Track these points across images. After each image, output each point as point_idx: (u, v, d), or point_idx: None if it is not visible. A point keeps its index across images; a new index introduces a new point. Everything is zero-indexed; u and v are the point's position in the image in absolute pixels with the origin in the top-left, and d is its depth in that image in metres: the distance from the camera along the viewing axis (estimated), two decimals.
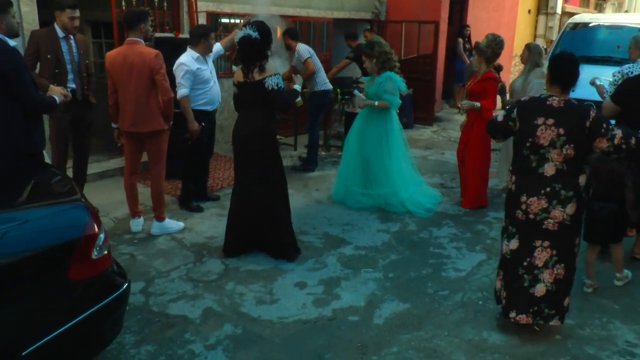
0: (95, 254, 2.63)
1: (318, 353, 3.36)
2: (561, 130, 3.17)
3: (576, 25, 9.39)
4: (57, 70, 4.82)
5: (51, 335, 2.45)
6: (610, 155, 3.27)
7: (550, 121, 3.20)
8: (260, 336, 3.50)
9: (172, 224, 5.06)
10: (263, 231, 4.54)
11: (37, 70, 4.82)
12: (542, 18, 17.52)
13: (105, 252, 2.72)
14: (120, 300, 2.80)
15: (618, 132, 3.18)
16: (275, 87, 4.23)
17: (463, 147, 5.94)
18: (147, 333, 3.48)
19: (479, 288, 4.18)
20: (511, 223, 3.47)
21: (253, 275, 4.29)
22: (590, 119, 3.16)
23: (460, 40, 11.52)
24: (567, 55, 3.41)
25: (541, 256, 3.36)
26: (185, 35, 7.09)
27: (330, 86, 7.16)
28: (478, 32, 12.01)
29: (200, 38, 5.29)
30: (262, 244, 4.61)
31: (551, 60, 3.42)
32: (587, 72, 4.43)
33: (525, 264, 3.40)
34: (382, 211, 5.69)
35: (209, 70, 5.35)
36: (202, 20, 7.53)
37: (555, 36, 17.70)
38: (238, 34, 4.25)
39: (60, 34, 4.85)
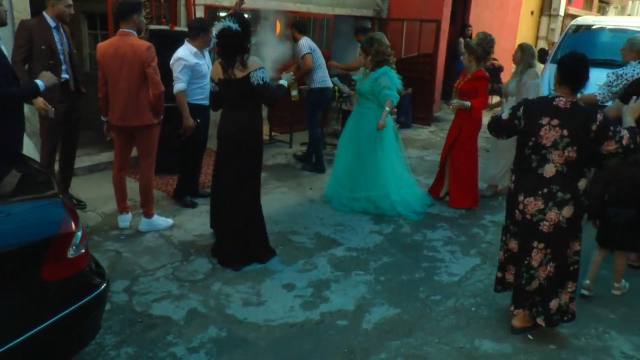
0: (71, 253, 2.51)
1: (304, 358, 3.26)
2: (565, 132, 3.14)
3: (579, 27, 9.30)
4: (51, 62, 4.70)
5: (23, 337, 2.34)
6: (618, 156, 3.25)
7: (555, 122, 3.18)
8: (245, 339, 3.40)
9: (161, 220, 4.95)
10: (242, 230, 4.34)
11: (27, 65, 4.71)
12: (544, 19, 17.40)
13: (83, 250, 2.61)
14: (98, 301, 2.69)
15: (625, 133, 3.16)
16: (261, 82, 4.03)
17: (450, 145, 5.86)
18: (129, 334, 3.37)
19: (473, 294, 4.08)
20: (511, 222, 3.49)
21: (240, 275, 4.19)
22: (598, 123, 3.13)
23: (462, 40, 11.36)
24: (579, 56, 3.34)
25: (537, 257, 3.36)
26: (182, 28, 6.98)
27: (329, 84, 6.94)
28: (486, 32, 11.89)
29: (200, 32, 5.17)
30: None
31: (561, 60, 3.36)
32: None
33: (525, 262, 3.41)
34: None
35: (206, 64, 5.25)
36: (199, 13, 7.41)
37: (557, 38, 17.58)
38: (217, 27, 4.04)
39: (52, 23, 4.74)
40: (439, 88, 10.57)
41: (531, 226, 3.32)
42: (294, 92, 6.45)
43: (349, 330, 3.56)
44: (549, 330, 3.59)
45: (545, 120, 3.21)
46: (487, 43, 5.61)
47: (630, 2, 30.47)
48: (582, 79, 3.30)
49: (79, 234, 2.57)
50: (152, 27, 6.35)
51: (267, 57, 6.52)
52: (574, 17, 18.19)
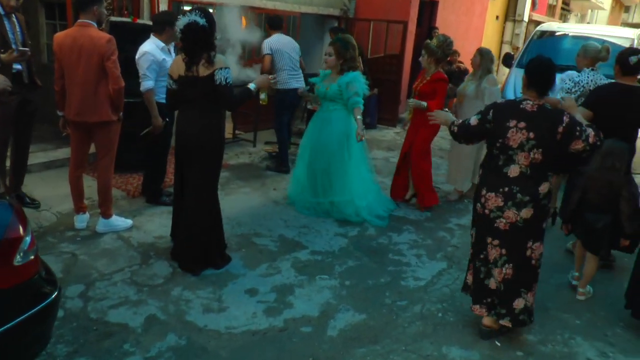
0: (18, 260, 2.35)
1: None
2: (531, 134, 3.19)
3: (543, 33, 9.43)
4: (2, 50, 4.46)
5: None
6: (585, 153, 3.29)
7: (522, 124, 3.22)
8: (205, 348, 3.26)
9: (119, 221, 4.76)
10: (203, 234, 4.15)
11: None
12: (509, 25, 17.67)
13: (32, 257, 2.44)
14: (49, 311, 2.52)
15: (590, 131, 3.24)
16: (224, 82, 3.84)
17: (408, 147, 5.84)
18: (82, 343, 3.20)
19: (439, 299, 4.03)
20: (474, 215, 3.57)
21: (202, 279, 4.05)
22: (564, 124, 3.20)
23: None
24: (545, 61, 3.37)
25: (492, 253, 3.41)
26: (144, 20, 6.76)
27: (294, 85, 6.68)
28: (446, 35, 11.95)
29: (165, 25, 4.97)
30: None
31: (529, 65, 3.39)
32: None
33: (482, 256, 3.48)
34: None
35: (172, 61, 5.05)
36: (163, 6, 7.19)
37: (521, 43, 17.89)
38: (182, 21, 3.80)
39: (1, 11, 4.49)
40: (405, 89, 10.56)
41: (488, 221, 3.38)
42: (262, 96, 6.25)
43: (314, 337, 3.46)
44: (515, 337, 3.58)
45: (512, 123, 3.24)
46: (447, 45, 5.60)
47: (589, 11, 31.37)
48: (548, 83, 3.33)
49: (28, 239, 2.40)
50: (113, 18, 6.13)
51: (230, 53, 6.40)
52: (538, 22, 18.53)
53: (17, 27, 4.63)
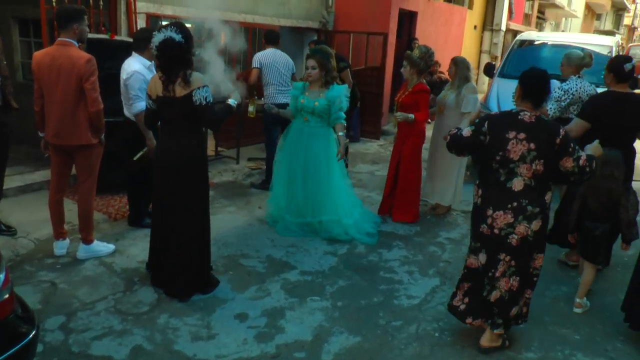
0: None
1: None
2: (532, 145, 3.15)
3: (523, 42, 9.47)
4: None
5: None
6: (573, 176, 3.25)
7: (522, 135, 3.18)
8: None
9: (101, 246, 4.58)
10: (191, 259, 3.99)
11: None
12: (487, 34, 17.82)
13: (7, 295, 2.28)
14: (26, 352, 2.35)
15: (583, 154, 3.23)
16: (204, 102, 3.66)
17: (397, 161, 5.75)
18: None
19: (435, 318, 3.93)
20: (475, 237, 3.46)
21: (189, 305, 3.89)
22: (561, 137, 3.18)
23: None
24: (540, 72, 3.36)
25: (502, 269, 3.35)
26: (122, 37, 6.62)
27: (281, 101, 6.44)
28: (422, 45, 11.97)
29: (148, 42, 4.80)
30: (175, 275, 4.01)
31: (523, 76, 3.36)
32: None
33: (490, 274, 3.40)
34: None
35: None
36: (141, 22, 7.06)
37: (499, 52, 18.06)
38: (157, 37, 3.65)
39: None
40: (387, 101, 10.54)
41: (499, 240, 3.29)
42: (250, 108, 6.11)
43: None
44: (515, 356, 3.49)
45: (512, 134, 3.19)
46: (428, 57, 5.56)
47: (563, 20, 31.92)
48: (543, 94, 3.33)
49: (1, 276, 2.24)
50: (90, 35, 5.95)
51: (211, 69, 6.27)
52: (515, 31, 18.73)
53: None
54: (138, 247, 4.74)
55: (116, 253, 4.61)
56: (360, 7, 10.58)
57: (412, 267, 4.74)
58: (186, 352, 3.35)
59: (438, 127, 5.98)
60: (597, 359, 3.55)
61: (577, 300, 4.12)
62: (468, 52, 16.06)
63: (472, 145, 3.39)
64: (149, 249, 4.20)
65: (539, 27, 25.06)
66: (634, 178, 4.65)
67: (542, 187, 3.25)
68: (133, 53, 4.87)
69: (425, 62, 5.54)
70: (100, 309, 3.76)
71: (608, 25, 43.21)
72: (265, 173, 6.79)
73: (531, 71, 3.38)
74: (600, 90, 4.96)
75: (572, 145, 3.20)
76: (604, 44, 8.95)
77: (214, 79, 6.33)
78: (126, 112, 4.92)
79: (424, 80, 5.68)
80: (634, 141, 4.61)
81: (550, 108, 5.24)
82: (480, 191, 3.40)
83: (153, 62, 5.01)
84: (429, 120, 6.03)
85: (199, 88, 3.65)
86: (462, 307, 3.57)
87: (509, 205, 3.23)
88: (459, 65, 5.83)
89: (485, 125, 3.31)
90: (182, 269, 3.94)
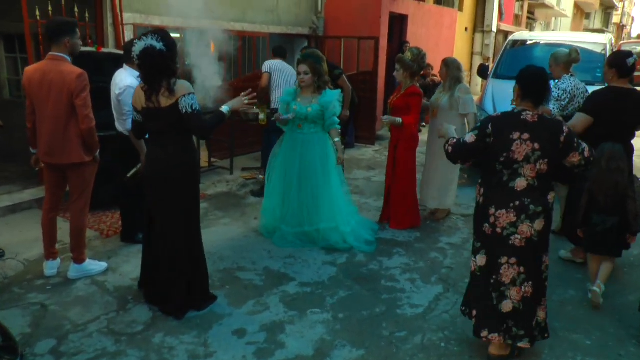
0: None
1: None
2: (536, 145, 3.11)
3: (515, 42, 9.41)
4: None
5: None
6: (580, 168, 3.28)
7: (526, 136, 3.12)
8: None
9: (93, 265, 4.43)
10: (185, 275, 3.84)
11: None
12: (478, 36, 17.79)
13: None
14: None
15: (585, 146, 3.24)
16: (190, 110, 3.51)
17: (392, 166, 5.66)
18: None
19: (440, 327, 3.80)
20: (477, 237, 3.38)
21: (185, 323, 3.75)
22: (564, 134, 3.16)
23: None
24: (538, 70, 3.29)
25: (508, 273, 3.24)
26: (110, 49, 6.50)
27: None
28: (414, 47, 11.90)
29: None
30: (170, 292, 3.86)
31: (522, 75, 3.29)
32: None
33: (492, 280, 3.30)
34: None
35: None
36: (129, 34, 6.95)
37: (491, 53, 18.03)
38: (138, 46, 3.50)
39: None
40: (380, 106, 10.43)
41: (501, 240, 3.22)
42: (261, 116, 6.00)
43: None
44: None
45: (516, 135, 3.13)
46: (421, 59, 5.48)
47: (553, 19, 32.03)
48: (544, 93, 3.28)
49: None
50: None
51: (200, 77, 6.15)
52: (506, 32, 18.73)
53: None
54: (131, 264, 4.60)
55: (109, 271, 4.47)
56: (350, 12, 10.51)
57: (414, 275, 4.62)
58: None
59: (432, 131, 5.88)
60: None
61: (599, 281, 4.08)
62: (460, 54, 16.00)
63: (478, 150, 3.29)
64: (141, 265, 4.05)
65: (530, 28, 25.10)
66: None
67: (544, 186, 3.20)
68: (124, 65, 4.75)
69: (418, 64, 5.46)
70: (92, 330, 3.62)
71: (597, 23, 43.43)
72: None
73: (529, 70, 3.31)
74: (591, 88, 4.91)
75: (575, 140, 3.20)
76: (597, 42, 8.90)
77: (204, 88, 6.25)
78: (119, 127, 4.80)
79: (418, 84, 5.58)
80: (633, 137, 4.55)
81: (553, 108, 5.19)
82: (482, 190, 3.33)
83: None
84: (424, 124, 5.94)
85: (184, 96, 3.51)
86: (474, 320, 3.43)
87: (512, 204, 3.17)
88: (450, 66, 5.74)
89: (490, 127, 3.22)
90: (175, 285, 3.80)
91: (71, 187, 4.27)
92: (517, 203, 3.16)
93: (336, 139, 5.01)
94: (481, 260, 3.34)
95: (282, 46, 7.58)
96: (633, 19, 64.32)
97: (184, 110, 3.51)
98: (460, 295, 4.16)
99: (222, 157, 7.98)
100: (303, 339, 3.62)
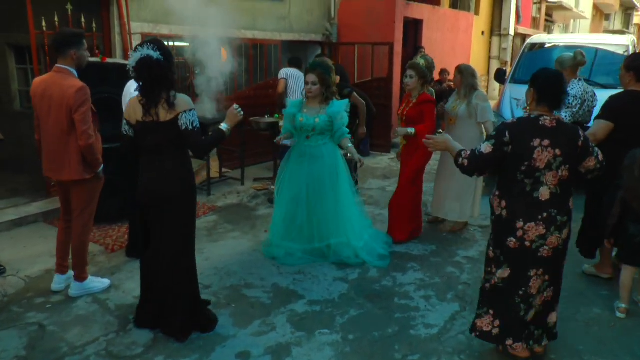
0: None
1: None
2: (557, 151, 3.02)
3: (534, 45, 9.15)
4: None
5: None
6: (594, 173, 3.21)
7: (546, 142, 3.02)
8: None
9: (95, 282, 4.29)
10: (188, 295, 3.67)
11: None
12: (495, 39, 17.51)
13: None
14: None
15: (597, 149, 3.21)
16: (191, 127, 3.35)
17: None
18: None
19: (456, 349, 3.57)
20: (501, 251, 3.24)
21: (187, 345, 3.57)
22: (582, 139, 3.10)
23: None
24: (554, 73, 3.20)
25: (535, 284, 3.20)
26: (117, 59, 6.40)
27: None
28: (433, 53, 11.59)
29: None
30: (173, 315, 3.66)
31: (537, 78, 3.17)
32: None
33: (521, 292, 3.21)
34: None
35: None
36: (136, 42, 6.83)
37: (509, 57, 17.73)
38: (133, 57, 3.34)
39: None
40: (395, 113, 10.18)
41: (530, 254, 3.12)
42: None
43: None
44: None
45: (536, 142, 3.02)
46: (433, 66, 5.34)
47: (572, 21, 31.55)
48: (561, 96, 3.15)
49: None
50: None
51: (211, 86, 6.01)
52: (523, 36, 18.43)
53: None
54: (135, 281, 4.41)
55: (111, 288, 4.33)
56: (364, 18, 10.32)
57: (429, 292, 4.40)
58: None
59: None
60: None
61: (622, 305, 3.95)
62: (477, 58, 15.74)
63: (495, 160, 3.13)
64: (140, 287, 3.85)
65: (548, 30, 24.70)
66: None
67: (566, 193, 3.13)
68: None
69: (431, 72, 5.32)
70: (90, 353, 3.46)
71: (617, 25, 42.69)
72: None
73: (544, 72, 3.19)
74: (614, 93, 4.70)
75: (590, 144, 3.15)
76: (619, 44, 8.60)
77: (214, 98, 6.12)
78: None
79: (432, 90, 5.38)
80: None
81: (565, 116, 5.01)
82: (503, 202, 3.16)
83: None
84: (440, 131, 5.73)
85: (185, 112, 3.35)
86: (496, 330, 3.29)
87: (540, 217, 3.06)
88: (464, 73, 5.52)
89: (507, 135, 3.06)
90: (177, 305, 3.62)
91: (73, 203, 4.13)
92: (545, 215, 3.05)
93: (349, 145, 4.82)
94: (503, 273, 3.23)
95: (298, 57, 7.63)
96: None
97: (184, 127, 3.34)
98: None
99: (233, 167, 7.82)
100: None
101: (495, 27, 17.65)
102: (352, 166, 6.84)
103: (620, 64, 4.61)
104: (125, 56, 6.59)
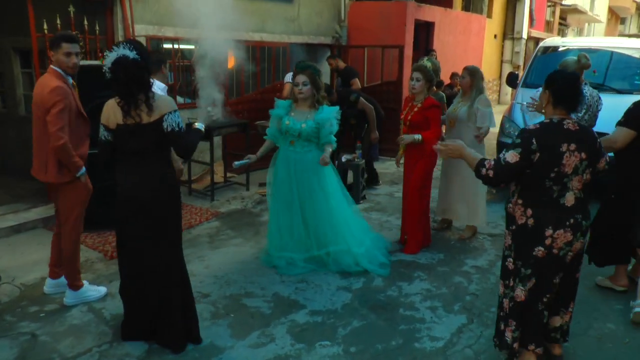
0: None
1: None
2: (583, 155, 2.98)
3: (547, 49, 8.93)
4: None
5: None
6: (602, 174, 3.19)
7: (573, 146, 2.96)
8: None
9: (91, 290, 4.17)
10: (180, 305, 3.50)
11: None
12: (508, 43, 17.29)
13: None
14: None
15: (603, 149, 3.18)
16: (177, 128, 3.24)
17: (408, 184, 5.27)
18: None
19: None
20: (525, 263, 3.09)
21: (182, 356, 3.44)
22: (598, 140, 3.10)
23: None
24: (570, 75, 3.14)
25: (555, 289, 3.20)
26: None
27: None
28: (445, 56, 11.53)
29: (161, 64, 4.68)
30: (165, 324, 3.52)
31: (552, 80, 3.09)
32: None
33: (545, 299, 3.16)
34: None
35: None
36: None
37: (521, 61, 17.49)
38: (109, 57, 3.20)
39: None
40: None
41: (557, 260, 3.07)
42: None
43: None
44: None
45: (564, 147, 2.95)
46: (439, 70, 5.25)
47: (586, 25, 31.17)
48: (577, 98, 3.09)
49: None
50: (83, 62, 5.65)
51: (217, 90, 5.91)
52: (536, 39, 18.18)
53: None
54: None
55: (107, 297, 4.20)
56: (374, 20, 10.19)
57: (435, 302, 4.24)
58: None
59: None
60: None
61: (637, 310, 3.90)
62: (489, 61, 15.54)
63: (522, 168, 2.99)
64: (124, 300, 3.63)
65: (561, 34, 24.41)
66: None
67: (587, 197, 3.09)
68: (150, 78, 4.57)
69: (437, 75, 5.20)
70: None
71: (633, 29, 42.17)
72: None
73: (560, 74, 3.12)
74: (630, 98, 4.53)
75: (600, 145, 3.13)
76: (636, 47, 8.34)
77: (220, 101, 6.02)
78: None
79: (443, 94, 5.23)
80: None
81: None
82: (529, 211, 3.04)
83: (166, 86, 4.74)
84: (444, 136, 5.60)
85: (170, 113, 3.23)
86: (516, 344, 3.20)
87: (567, 223, 3.00)
88: (475, 75, 5.37)
89: (534, 142, 2.94)
90: (172, 315, 3.48)
91: (59, 208, 4.04)
92: (572, 221, 3.00)
93: (329, 149, 4.59)
94: (531, 285, 3.12)
95: (304, 61, 7.43)
96: None
97: (169, 129, 3.22)
98: (486, 327, 3.82)
99: (239, 171, 7.70)
100: None
101: (508, 30, 17.43)
102: (359, 172, 6.72)
103: (637, 68, 4.45)
104: None
